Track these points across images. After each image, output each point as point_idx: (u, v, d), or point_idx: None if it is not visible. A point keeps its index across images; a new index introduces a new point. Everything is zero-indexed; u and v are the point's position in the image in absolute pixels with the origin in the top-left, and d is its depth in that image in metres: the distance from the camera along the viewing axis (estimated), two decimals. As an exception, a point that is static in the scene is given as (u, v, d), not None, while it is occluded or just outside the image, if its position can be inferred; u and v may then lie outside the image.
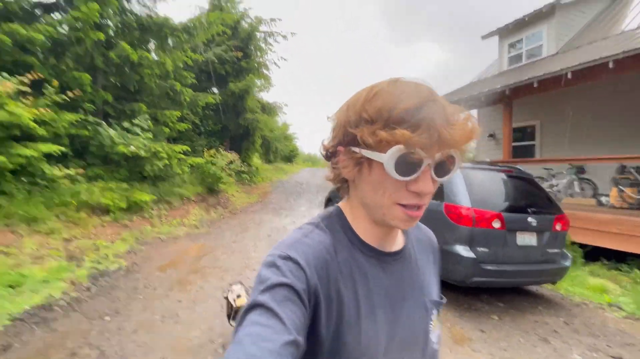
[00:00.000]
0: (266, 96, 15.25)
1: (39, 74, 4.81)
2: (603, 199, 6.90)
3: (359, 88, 0.54)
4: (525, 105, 8.78)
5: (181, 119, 8.33)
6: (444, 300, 0.67)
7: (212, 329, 2.80)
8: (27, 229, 4.58)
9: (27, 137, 4.95)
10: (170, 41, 7.45)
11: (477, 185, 3.42)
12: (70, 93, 5.21)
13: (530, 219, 3.35)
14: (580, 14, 8.97)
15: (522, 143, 9.50)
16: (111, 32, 6.46)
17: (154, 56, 7.27)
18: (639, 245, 4.70)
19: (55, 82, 5.14)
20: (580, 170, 7.68)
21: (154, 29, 7.17)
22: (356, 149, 0.49)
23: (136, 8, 7.56)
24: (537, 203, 3.59)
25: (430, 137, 0.44)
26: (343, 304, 0.51)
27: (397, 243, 0.61)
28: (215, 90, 12.28)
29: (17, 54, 5.21)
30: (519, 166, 4.39)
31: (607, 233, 5.13)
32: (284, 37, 14.09)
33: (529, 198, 3.64)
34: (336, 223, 0.58)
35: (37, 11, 6.12)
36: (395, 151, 0.45)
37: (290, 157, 27.70)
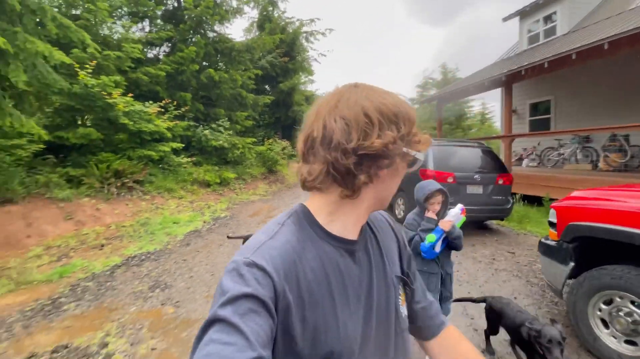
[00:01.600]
0: (311, 87, 17.55)
1: (167, 100, 7.63)
2: (599, 164, 8.00)
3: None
4: (542, 81, 9.71)
5: (247, 117, 10.98)
6: (408, 275, 0.70)
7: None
8: (168, 196, 7.54)
9: (159, 139, 7.87)
10: (236, 59, 9.99)
11: (441, 156, 5.31)
12: (183, 109, 8.01)
13: (475, 176, 5.18)
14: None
15: (539, 117, 10.46)
16: (199, 60, 9.16)
17: (226, 72, 9.88)
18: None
19: (175, 102, 7.96)
20: (586, 139, 8.71)
21: (225, 52, 9.76)
22: (410, 151, 0.56)
23: (209, 34, 10.23)
24: (486, 166, 5.37)
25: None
26: (317, 303, 0.51)
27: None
28: (267, 88, 14.84)
29: (150, 86, 8.12)
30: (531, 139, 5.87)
31: (574, 190, 6.52)
32: (323, 34, 16.04)
33: (480, 163, 5.41)
34: (302, 219, 0.58)
35: (151, 53, 9.03)
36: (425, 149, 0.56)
37: (335, 139, 29.81)
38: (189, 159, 8.26)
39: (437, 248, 2.03)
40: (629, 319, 2.04)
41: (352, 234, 0.59)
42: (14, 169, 5.42)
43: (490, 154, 5.67)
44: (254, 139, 10.18)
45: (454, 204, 2.23)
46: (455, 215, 2.06)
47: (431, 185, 2.12)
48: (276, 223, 0.57)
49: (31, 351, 2.53)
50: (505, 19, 11.37)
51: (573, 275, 2.39)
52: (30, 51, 5.07)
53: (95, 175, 6.45)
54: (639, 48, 5.57)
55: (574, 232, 2.36)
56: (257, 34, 14.78)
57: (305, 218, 0.58)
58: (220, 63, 10.36)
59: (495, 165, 5.49)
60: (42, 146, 5.91)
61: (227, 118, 9.64)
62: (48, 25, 5.47)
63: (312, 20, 15.39)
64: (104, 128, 6.82)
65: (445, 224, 2.01)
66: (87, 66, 6.21)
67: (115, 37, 7.86)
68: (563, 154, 9.05)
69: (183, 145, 8.23)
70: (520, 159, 10.57)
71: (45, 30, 5.63)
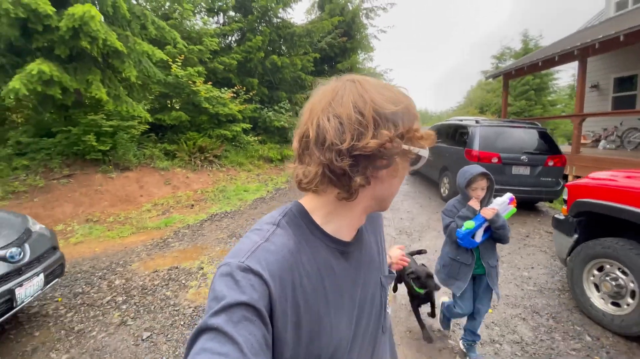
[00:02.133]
0: (370, 64, 17.61)
1: (238, 85, 8.76)
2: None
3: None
4: (628, 53, 8.55)
5: (306, 99, 11.76)
6: (393, 274, 0.72)
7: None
8: (239, 169, 8.83)
9: (232, 120, 9.11)
10: (297, 44, 10.71)
11: (487, 136, 5.43)
12: (251, 93, 9.11)
13: (522, 157, 5.23)
14: None
15: (623, 93, 9.27)
16: (264, 47, 10.09)
17: (287, 57, 10.69)
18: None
19: (244, 88, 9.07)
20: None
21: (287, 38, 10.53)
22: (412, 148, 0.53)
23: (274, 20, 11.04)
24: (536, 147, 5.34)
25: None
26: (312, 308, 0.51)
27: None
28: (326, 68, 15.34)
29: (224, 73, 9.33)
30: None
31: None
32: (384, 9, 15.73)
33: (530, 144, 5.39)
34: (298, 219, 0.56)
35: (227, 44, 10.20)
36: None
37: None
38: (256, 138, 9.45)
39: (478, 238, 1.87)
40: (613, 283, 2.36)
41: (346, 235, 0.58)
42: (129, 144, 7.06)
43: (543, 135, 5.58)
44: (311, 119, 11.00)
45: (500, 194, 2.02)
46: (502, 204, 1.89)
47: (473, 168, 1.93)
48: (270, 222, 0.56)
49: (154, 268, 3.75)
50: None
51: (576, 246, 2.70)
52: (138, 51, 6.44)
53: (184, 150, 7.95)
54: None
55: (578, 208, 2.65)
56: (318, 14, 15.20)
57: (301, 217, 0.57)
58: (283, 48, 11.20)
59: (547, 146, 5.42)
60: (147, 126, 7.49)
61: (287, 101, 10.57)
62: (149, 28, 6.79)
63: (372, -4, 15.20)
64: (189, 111, 8.24)
65: (487, 212, 1.84)
66: (177, 59, 7.54)
67: (196, 28, 9.16)
68: (648, 135, 8.06)
69: (251, 126, 9.42)
70: (598, 140, 9.59)
71: (146, 31, 6.98)
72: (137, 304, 2.96)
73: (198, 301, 2.99)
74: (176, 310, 2.84)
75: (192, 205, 6.49)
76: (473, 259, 1.98)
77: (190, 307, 2.88)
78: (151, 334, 2.50)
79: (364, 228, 0.64)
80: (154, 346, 2.38)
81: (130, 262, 3.96)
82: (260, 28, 9.78)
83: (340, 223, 0.57)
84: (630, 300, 2.28)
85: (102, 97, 5.99)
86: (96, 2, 5.81)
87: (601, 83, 10.00)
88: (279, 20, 11.00)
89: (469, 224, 1.82)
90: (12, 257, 2.18)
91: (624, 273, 2.32)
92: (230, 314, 0.41)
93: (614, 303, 2.40)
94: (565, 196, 2.85)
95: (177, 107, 8.55)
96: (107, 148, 6.59)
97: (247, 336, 0.41)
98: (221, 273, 0.47)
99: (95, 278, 3.52)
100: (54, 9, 5.13)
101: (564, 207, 2.87)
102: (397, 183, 0.57)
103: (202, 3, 9.50)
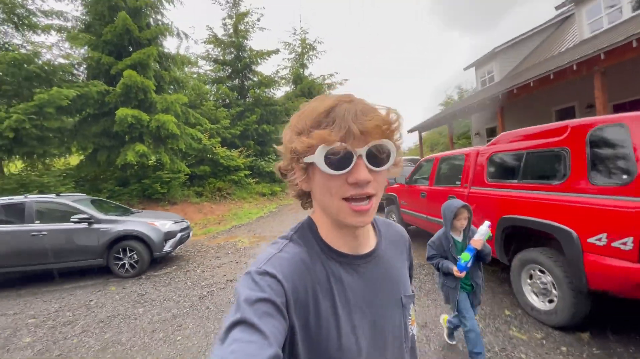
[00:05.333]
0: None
1: (241, 147, 13.37)
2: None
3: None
4: (492, 112, 13.77)
5: (286, 151, 16.50)
6: (414, 294, 0.71)
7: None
8: (243, 201, 13.07)
9: (237, 169, 13.51)
10: (278, 116, 15.69)
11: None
12: (249, 151, 13.71)
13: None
14: (519, 51, 13.53)
15: (492, 138, 14.44)
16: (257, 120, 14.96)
17: (272, 125, 15.57)
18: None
19: (244, 148, 13.67)
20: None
21: (272, 112, 15.49)
22: (301, 160, 0.55)
23: (263, 102, 16.02)
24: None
25: (342, 130, 0.49)
26: (321, 313, 0.54)
27: (370, 244, 0.65)
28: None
29: (231, 139, 13.96)
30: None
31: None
32: (341, 84, 21.40)
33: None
34: (308, 234, 0.62)
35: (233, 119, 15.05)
36: (320, 150, 0.50)
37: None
38: (253, 180, 13.86)
39: (469, 264, 2.21)
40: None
41: (348, 248, 0.61)
42: (178, 188, 11.27)
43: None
44: (291, 165, 15.64)
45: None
46: (485, 233, 2.22)
47: (456, 202, 2.33)
48: (284, 237, 0.62)
49: (217, 243, 7.86)
50: (465, 68, 15.68)
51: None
52: (186, 133, 10.97)
53: (208, 190, 12.20)
54: (531, 92, 9.76)
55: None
56: (292, 87, 20.62)
57: (310, 232, 0.62)
58: (269, 117, 16.13)
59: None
60: (187, 177, 11.79)
61: (274, 154, 15.20)
62: (190, 118, 11.42)
63: (331, 75, 20.92)
64: (210, 165, 12.66)
65: (477, 243, 2.18)
66: (205, 134, 12.11)
67: (214, 110, 13.94)
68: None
69: (250, 172, 13.86)
70: (481, 169, 14.52)
71: (187, 120, 11.57)
72: (219, 250, 7.08)
73: (245, 245, 7.14)
74: (238, 249, 6.99)
75: (219, 222, 10.62)
76: (457, 282, 2.31)
77: (242, 247, 7.04)
78: (233, 251, 6.65)
79: (382, 247, 0.67)
80: (238, 256, 6.51)
81: (202, 243, 8.04)
82: (254, 109, 14.69)
83: (333, 235, 0.61)
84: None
85: (166, 161, 10.35)
86: (168, 111, 10.39)
87: (481, 131, 15.23)
88: (266, 100, 16.07)
89: (466, 256, 2.16)
90: (187, 222, 6.40)
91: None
92: (253, 309, 0.47)
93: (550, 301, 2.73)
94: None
95: (197, 163, 12.93)
96: (165, 191, 10.80)
97: (271, 327, 0.47)
98: (242, 279, 0.53)
99: (193, 248, 7.60)
100: (149, 118, 9.64)
101: (388, 197, 7.31)
102: (320, 188, 0.55)
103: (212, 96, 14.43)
